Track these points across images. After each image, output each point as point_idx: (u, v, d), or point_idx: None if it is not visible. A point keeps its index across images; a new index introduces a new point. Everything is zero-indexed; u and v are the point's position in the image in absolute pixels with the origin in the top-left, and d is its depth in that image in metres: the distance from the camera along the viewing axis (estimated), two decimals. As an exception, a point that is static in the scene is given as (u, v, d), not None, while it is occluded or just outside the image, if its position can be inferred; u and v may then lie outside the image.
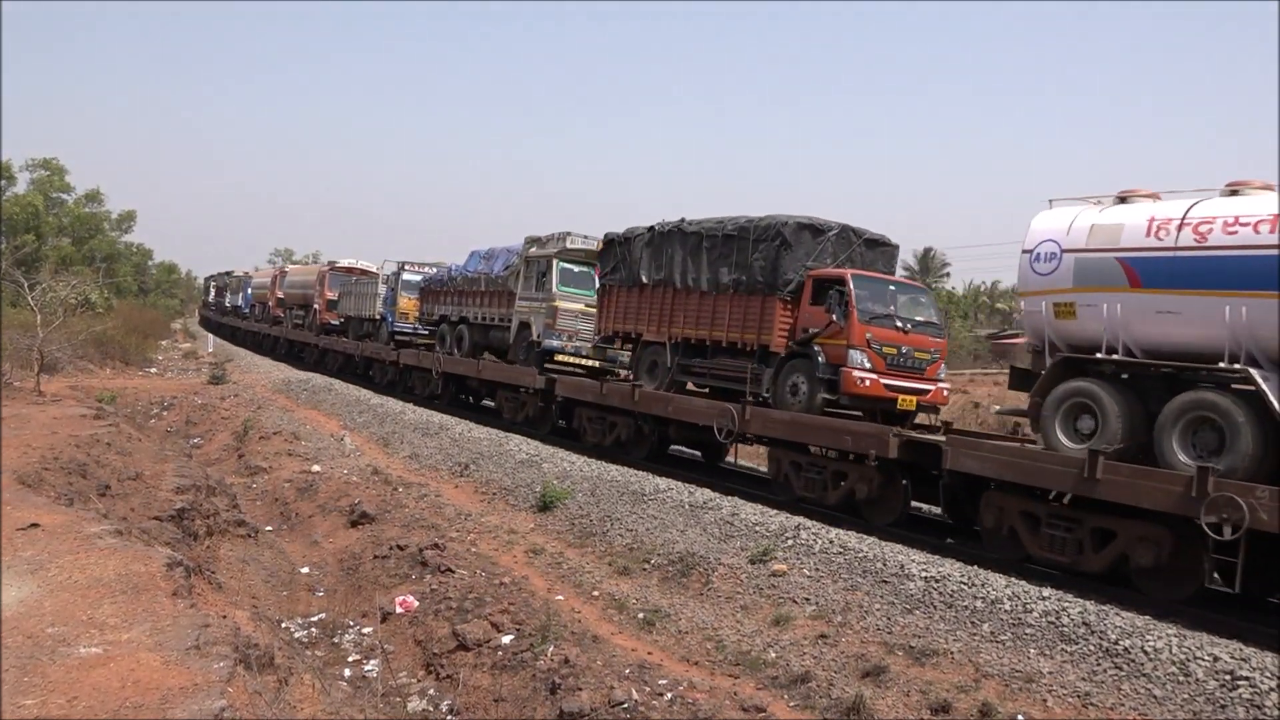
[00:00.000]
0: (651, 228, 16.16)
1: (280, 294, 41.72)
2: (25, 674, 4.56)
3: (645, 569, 11.19)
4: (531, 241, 20.02)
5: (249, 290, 51.07)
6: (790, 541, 10.88)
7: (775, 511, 12.15)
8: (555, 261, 19.07)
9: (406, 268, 27.50)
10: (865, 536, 11.01)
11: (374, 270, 32.88)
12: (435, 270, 26.20)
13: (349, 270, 34.64)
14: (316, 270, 36.63)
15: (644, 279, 16.03)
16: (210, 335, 54.98)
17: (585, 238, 18.91)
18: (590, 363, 19.08)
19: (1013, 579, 9.39)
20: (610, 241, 17.29)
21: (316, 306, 35.41)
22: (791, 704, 7.66)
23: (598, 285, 17.96)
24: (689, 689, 7.80)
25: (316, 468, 17.36)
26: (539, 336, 19.08)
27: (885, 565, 9.83)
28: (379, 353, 27.67)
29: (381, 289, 29.01)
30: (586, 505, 13.50)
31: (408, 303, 26.99)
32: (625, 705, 7.52)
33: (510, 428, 19.49)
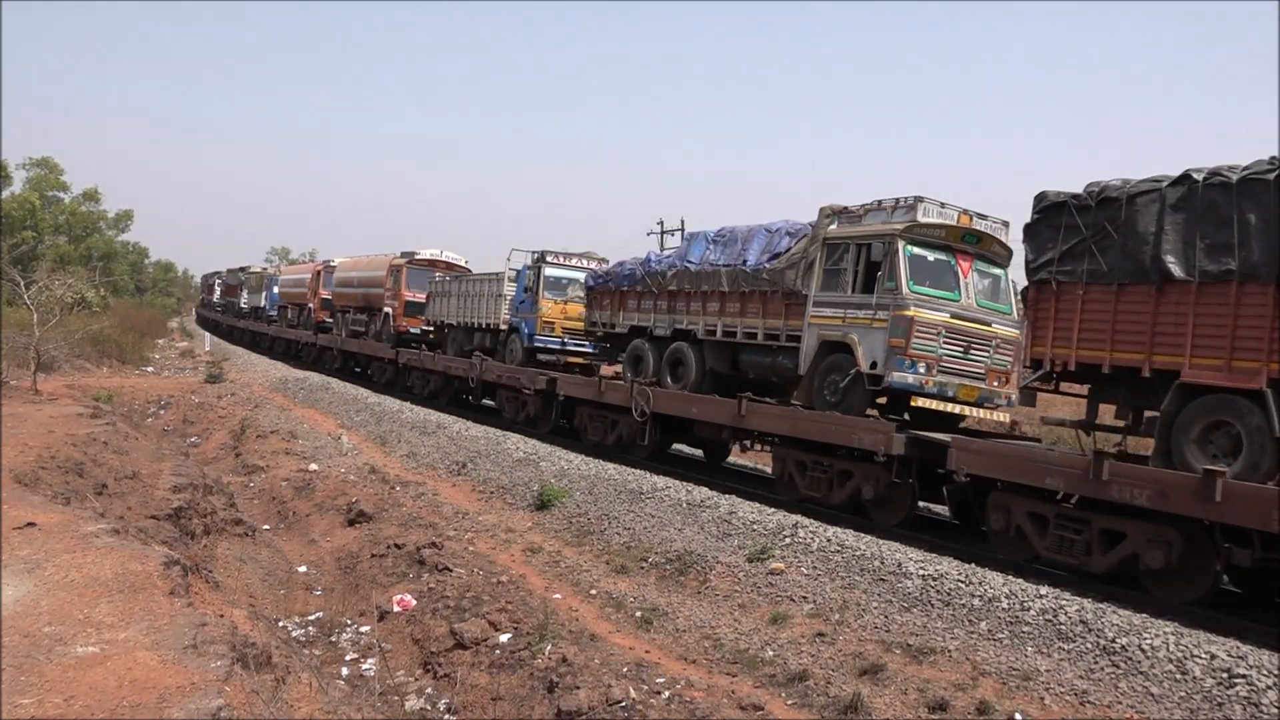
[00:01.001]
0: (1185, 176, 9.20)
1: (325, 294, 34.26)
2: (22, 673, 4.55)
3: (643, 567, 11.20)
4: (833, 214, 12.77)
5: (274, 289, 43.28)
6: (788, 540, 10.88)
7: (773, 510, 12.15)
8: (902, 245, 11.70)
9: (550, 259, 20.15)
10: (863, 535, 11.01)
11: (461, 263, 27.36)
12: (610, 263, 18.92)
13: (431, 263, 27.38)
14: (385, 264, 28.22)
15: (1172, 268, 9.14)
16: (207, 334, 54.82)
17: (942, 206, 12.06)
18: (982, 413, 12.28)
19: (1010, 577, 9.39)
20: (1055, 206, 10.37)
21: (389, 310, 27.78)
22: (789, 702, 7.67)
23: (1026, 281, 10.86)
24: (686, 687, 7.80)
25: (314, 466, 17.36)
26: (878, 366, 11.70)
27: (883, 563, 9.84)
28: (513, 377, 19.54)
29: (507, 289, 21.55)
30: (584, 504, 13.50)
31: (555, 308, 19.86)
32: (623, 704, 7.52)
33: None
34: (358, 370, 31.56)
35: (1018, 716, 7.04)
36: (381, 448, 19.53)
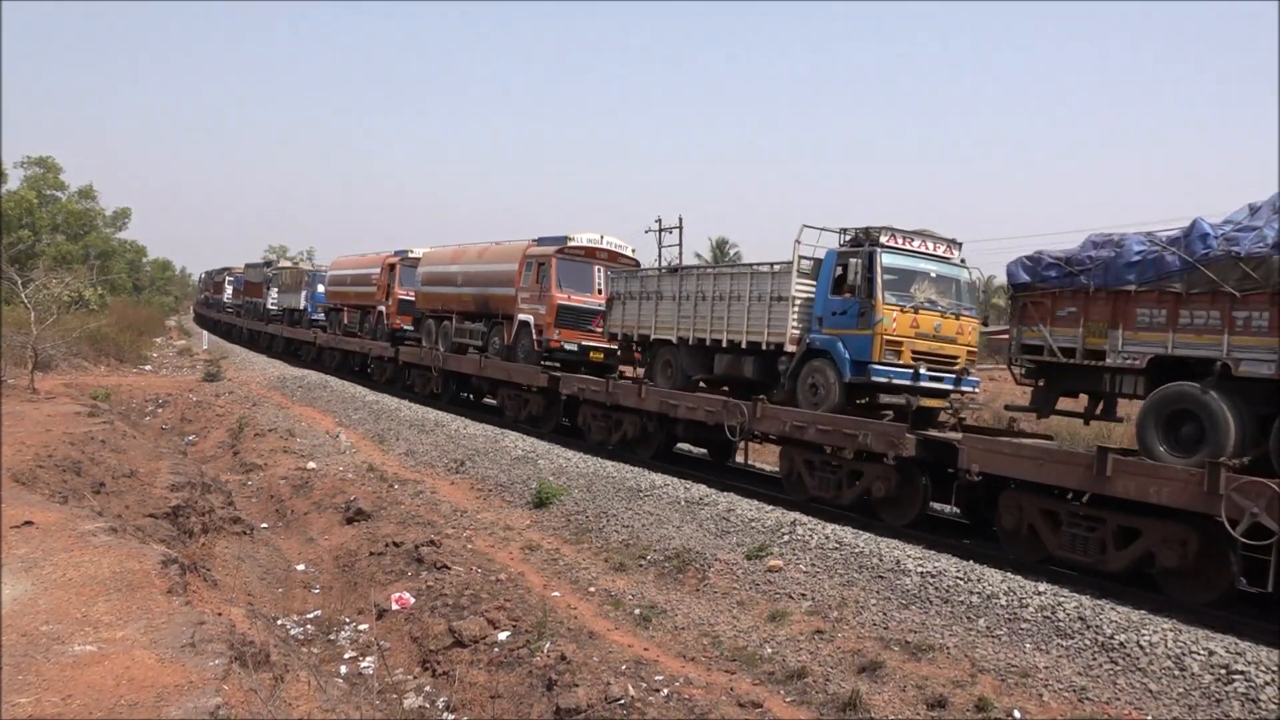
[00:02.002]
0: None
1: (404, 294, 26.66)
2: (20, 672, 4.55)
3: (641, 565, 11.20)
4: None
5: (318, 288, 35.50)
6: (786, 537, 10.89)
7: (771, 507, 12.15)
8: None
9: (887, 240, 12.65)
10: (861, 532, 11.02)
11: (628, 252, 20.18)
12: (1098, 242, 10.51)
13: (589, 253, 19.68)
14: (517, 254, 20.47)
15: None
16: (205, 332, 54.56)
17: None
18: None
19: (1008, 574, 9.40)
20: None
21: (528, 319, 19.67)
22: (788, 699, 7.67)
23: None
24: (685, 685, 7.80)
25: (312, 465, 17.34)
26: None
27: (881, 561, 9.84)
28: (832, 431, 12.06)
29: (798, 289, 13.52)
30: (582, 501, 13.50)
31: (902, 319, 12.34)
32: (622, 701, 7.52)
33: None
34: (466, 396, 23.98)
35: (1016, 713, 7.05)
36: (380, 446, 19.52)
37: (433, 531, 12.75)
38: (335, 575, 12.19)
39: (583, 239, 19.67)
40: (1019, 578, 9.23)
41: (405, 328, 26.98)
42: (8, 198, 43.47)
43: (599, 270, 19.43)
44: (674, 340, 15.92)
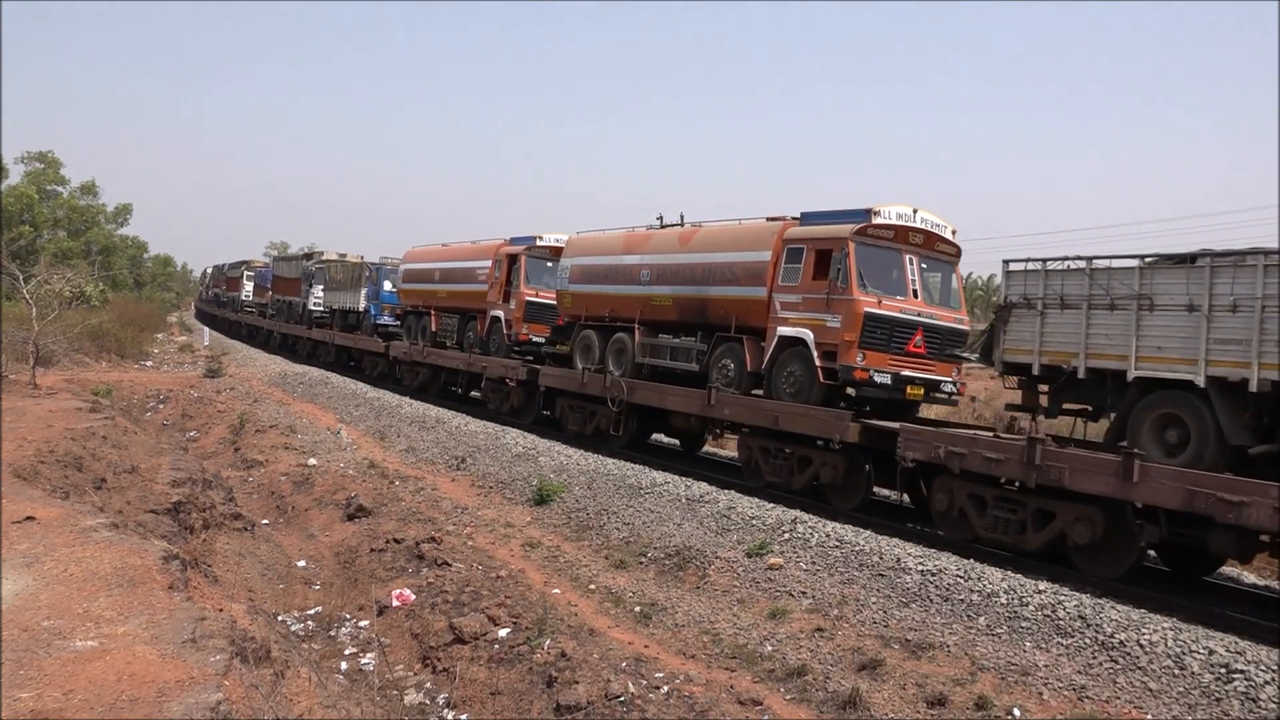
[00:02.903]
0: None
1: (535, 294, 20.24)
2: (21, 667, 4.55)
3: (642, 563, 11.20)
4: None
5: (385, 285, 29.03)
6: (787, 535, 10.89)
7: (771, 505, 12.15)
8: None
9: None
10: (862, 530, 11.02)
11: (948, 234, 13.20)
12: None
13: (900, 234, 12.91)
14: (768, 236, 13.87)
15: None
16: (206, 329, 54.48)
17: None
18: None
19: (1009, 572, 9.40)
20: None
21: (804, 334, 12.83)
22: (788, 697, 7.68)
23: None
24: (685, 682, 7.81)
25: (313, 461, 17.36)
26: None
27: (882, 559, 9.85)
28: None
29: None
30: (583, 499, 13.50)
31: None
32: (622, 698, 7.53)
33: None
34: (645, 439, 17.55)
35: (1016, 712, 7.05)
36: (380, 443, 19.52)
37: (433, 528, 12.77)
38: (336, 572, 12.21)
39: (890, 213, 12.91)
40: (1019, 576, 9.23)
41: (536, 339, 20.15)
42: (8, 193, 43.45)
43: (911, 261, 12.93)
44: (1196, 382, 9.18)
